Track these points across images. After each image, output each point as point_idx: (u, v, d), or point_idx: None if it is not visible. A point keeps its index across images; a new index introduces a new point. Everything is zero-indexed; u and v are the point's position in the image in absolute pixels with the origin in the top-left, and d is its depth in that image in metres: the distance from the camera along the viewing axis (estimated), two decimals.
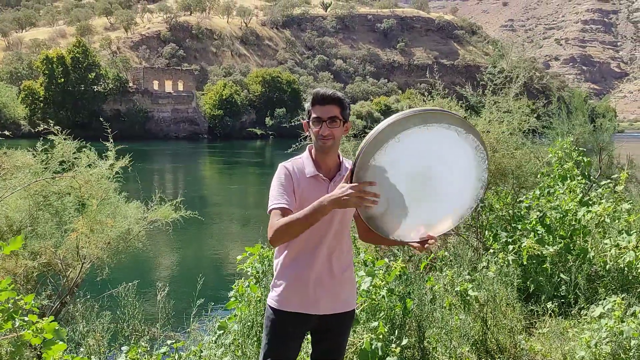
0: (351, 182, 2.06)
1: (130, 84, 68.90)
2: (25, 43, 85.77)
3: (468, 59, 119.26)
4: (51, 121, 6.39)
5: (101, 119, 8.08)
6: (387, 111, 76.02)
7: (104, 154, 6.22)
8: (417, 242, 2.23)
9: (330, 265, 2.40)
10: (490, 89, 6.31)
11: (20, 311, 2.43)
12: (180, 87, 71.68)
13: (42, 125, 5.95)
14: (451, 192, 2.19)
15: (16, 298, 2.40)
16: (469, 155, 2.14)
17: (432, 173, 2.12)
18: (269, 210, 2.28)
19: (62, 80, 62.35)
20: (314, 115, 2.32)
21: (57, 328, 2.29)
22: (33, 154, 5.90)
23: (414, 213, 2.18)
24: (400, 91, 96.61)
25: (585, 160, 5.80)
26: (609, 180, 5.59)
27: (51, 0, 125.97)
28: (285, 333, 2.41)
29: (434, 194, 2.16)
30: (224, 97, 70.74)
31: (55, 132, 5.95)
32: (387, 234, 2.23)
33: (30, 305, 2.47)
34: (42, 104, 61.75)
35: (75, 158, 5.93)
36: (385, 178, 2.07)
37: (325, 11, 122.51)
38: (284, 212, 2.25)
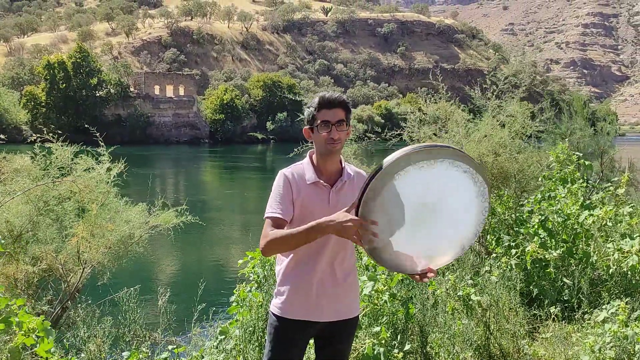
0: (357, 212, 2.06)
1: (132, 89, 69.03)
2: (27, 48, 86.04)
3: (469, 63, 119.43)
4: (53, 126, 6.44)
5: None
6: (388, 115, 76.15)
7: (100, 158, 6.23)
8: (417, 274, 2.25)
9: (333, 271, 2.38)
10: (494, 93, 6.31)
11: (13, 318, 2.42)
12: (182, 92, 71.80)
13: (34, 136, 6.00)
14: (453, 226, 2.21)
15: (9, 303, 2.38)
16: (470, 190, 2.17)
17: (436, 208, 2.15)
18: (264, 217, 2.28)
19: (64, 85, 62.48)
20: (322, 119, 2.29)
21: (48, 328, 2.28)
22: (32, 157, 5.91)
23: (416, 245, 2.20)
24: (401, 95, 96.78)
25: (586, 164, 5.79)
26: (609, 184, 5.57)
27: (53, 6, 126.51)
28: (289, 340, 2.39)
29: (437, 227, 2.18)
30: (225, 101, 70.83)
31: (51, 139, 5.97)
32: (387, 265, 2.25)
33: (24, 310, 2.46)
34: (43, 109, 61.87)
35: (73, 163, 5.94)
36: (390, 212, 2.10)
37: (326, 16, 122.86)
38: (278, 222, 2.24)
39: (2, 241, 2.34)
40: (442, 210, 2.15)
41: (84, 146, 6.37)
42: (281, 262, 2.44)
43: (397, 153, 2.08)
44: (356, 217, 2.05)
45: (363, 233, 2.06)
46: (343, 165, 2.43)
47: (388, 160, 2.07)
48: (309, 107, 2.35)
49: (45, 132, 6.06)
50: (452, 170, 2.10)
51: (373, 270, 3.82)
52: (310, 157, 2.41)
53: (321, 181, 2.35)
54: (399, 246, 2.18)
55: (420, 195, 2.11)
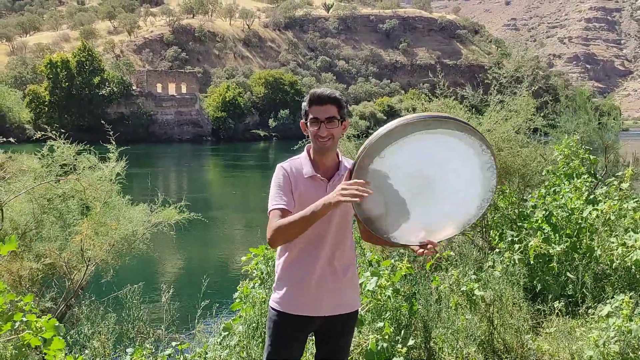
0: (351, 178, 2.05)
1: (134, 87, 69.09)
2: (29, 47, 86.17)
3: (471, 59, 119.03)
4: (56, 125, 6.48)
5: (102, 121, 8.12)
6: (390, 112, 76.02)
7: (106, 156, 6.23)
8: (417, 246, 2.22)
9: (332, 265, 2.38)
10: (496, 87, 6.29)
11: (20, 314, 2.42)
12: (184, 90, 71.82)
13: (39, 133, 6.01)
14: (454, 199, 2.15)
15: (15, 300, 2.39)
16: (473, 162, 2.09)
17: (434, 179, 2.09)
18: (268, 211, 2.28)
19: (67, 84, 62.59)
20: (311, 115, 2.30)
21: (56, 325, 2.28)
22: (39, 158, 5.92)
23: (413, 217, 2.16)
24: (403, 91, 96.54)
25: (591, 158, 5.76)
26: (613, 178, 5.55)
27: (55, 5, 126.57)
28: (289, 335, 2.39)
29: (435, 199, 2.13)
30: (227, 99, 70.83)
31: (54, 136, 5.97)
32: (384, 234, 2.21)
33: (30, 306, 2.47)
34: (46, 108, 62.01)
35: (76, 160, 5.95)
36: (384, 181, 2.06)
37: (328, 12, 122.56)
38: (283, 212, 2.24)
39: (8, 238, 2.34)
40: (442, 183, 2.10)
41: (88, 145, 6.37)
42: (280, 257, 2.44)
43: (393, 122, 2.03)
44: (349, 181, 2.02)
45: (357, 193, 1.98)
46: (340, 159, 2.43)
47: (383, 129, 2.03)
48: (303, 102, 2.37)
49: (48, 130, 6.07)
50: (453, 142, 2.02)
51: (377, 265, 3.81)
52: (308, 152, 2.41)
53: (318, 175, 2.35)
54: (395, 217, 2.15)
55: (417, 166, 2.06)
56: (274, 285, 2.47)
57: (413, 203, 2.12)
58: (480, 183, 2.15)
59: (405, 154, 2.01)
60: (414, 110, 6.57)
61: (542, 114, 6.45)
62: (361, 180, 2.00)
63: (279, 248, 2.46)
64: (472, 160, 2.09)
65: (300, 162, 2.39)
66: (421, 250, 2.21)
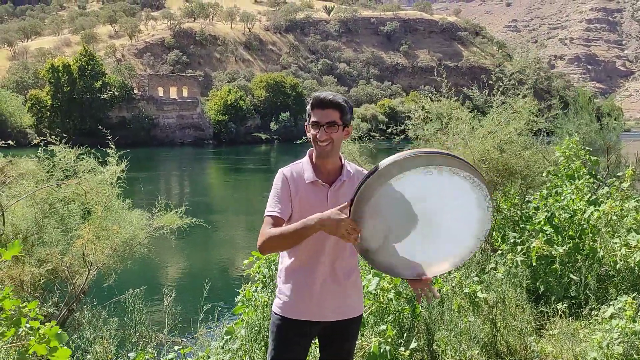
0: (350, 213, 2.05)
1: (135, 91, 69.23)
2: (31, 52, 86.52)
3: (472, 60, 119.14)
4: (58, 129, 6.53)
5: (101, 126, 8.13)
6: (391, 114, 76.06)
7: (106, 159, 6.24)
8: (412, 279, 2.25)
9: (334, 270, 2.37)
10: (500, 89, 6.28)
11: (24, 319, 2.42)
12: (185, 94, 71.95)
13: (37, 139, 6.04)
14: (452, 234, 2.15)
15: (20, 306, 2.38)
16: (472, 201, 2.09)
17: (434, 214, 2.09)
18: (264, 216, 2.28)
19: (68, 88, 62.75)
20: (312, 119, 2.30)
21: (58, 332, 2.27)
22: (38, 162, 5.93)
23: (410, 252, 2.16)
24: (404, 93, 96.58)
25: (593, 159, 5.75)
26: (615, 179, 5.54)
27: (56, 10, 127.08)
28: (292, 340, 2.38)
29: (434, 234, 2.13)
30: (228, 102, 70.96)
31: (54, 141, 5.99)
32: (380, 268, 2.22)
33: (35, 312, 2.46)
34: (48, 113, 62.16)
35: (77, 164, 5.96)
36: (385, 215, 2.06)
37: (329, 15, 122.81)
38: (276, 221, 2.23)
39: (11, 243, 2.33)
40: (440, 219, 2.10)
41: (89, 148, 6.39)
42: (283, 262, 2.43)
43: (394, 156, 2.04)
44: (347, 218, 2.03)
45: (353, 234, 2.03)
46: (343, 163, 2.41)
47: (384, 162, 2.03)
48: (307, 104, 2.37)
49: (48, 134, 6.09)
50: (452, 179, 2.02)
51: None
52: (310, 156, 2.40)
53: (320, 180, 2.34)
54: (392, 251, 2.15)
55: (416, 201, 2.06)
56: (276, 290, 2.46)
57: (412, 237, 2.12)
58: (476, 221, 2.14)
59: (406, 187, 2.02)
60: (422, 108, 6.57)
61: (544, 116, 6.44)
62: (357, 230, 2.03)
63: (280, 253, 2.46)
64: (470, 198, 2.09)
65: (302, 166, 2.38)
66: (417, 287, 2.25)
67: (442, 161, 2.03)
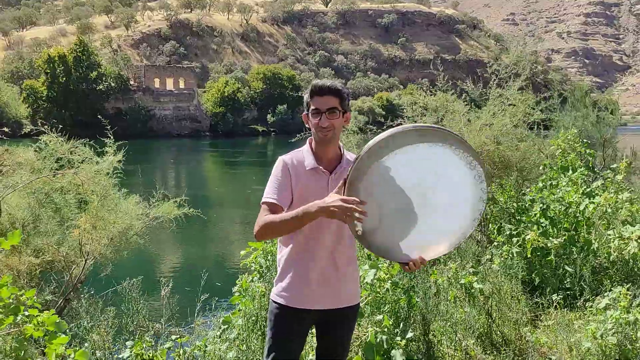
0: (344, 193, 2.03)
1: (132, 82, 68.90)
2: (26, 42, 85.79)
3: (470, 54, 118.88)
4: (54, 120, 6.50)
5: (99, 116, 8.09)
6: (389, 107, 75.92)
7: (103, 150, 6.22)
8: (405, 263, 2.20)
9: (334, 260, 2.38)
10: (495, 82, 6.29)
11: (22, 307, 2.42)
12: (182, 85, 71.67)
13: (28, 127, 6.04)
14: (447, 215, 2.11)
15: (18, 294, 2.39)
16: (466, 177, 2.06)
17: (428, 194, 2.06)
18: (260, 202, 2.28)
19: (64, 79, 62.37)
20: (312, 107, 2.30)
21: (58, 321, 2.28)
22: (35, 150, 5.92)
23: (406, 233, 2.12)
24: (402, 86, 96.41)
25: (588, 151, 5.78)
26: (609, 171, 5.56)
27: None
28: (289, 328, 2.40)
29: (428, 215, 2.09)
30: (225, 94, 70.70)
31: (46, 131, 5.96)
32: (376, 251, 2.19)
33: (32, 301, 2.47)
34: (44, 103, 61.81)
35: (72, 154, 5.94)
36: (379, 194, 2.02)
37: (326, 7, 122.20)
38: (273, 207, 2.24)
39: (11, 232, 2.34)
40: (435, 196, 2.06)
41: (87, 140, 6.36)
42: (282, 251, 2.44)
43: (385, 133, 2.00)
44: (344, 197, 2.01)
45: (351, 214, 1.97)
46: (342, 152, 2.42)
47: (375, 140, 2.00)
48: (305, 94, 2.37)
49: (40, 124, 6.07)
50: (446, 154, 1.99)
51: (375, 259, 3.82)
52: (310, 144, 2.40)
53: (320, 167, 2.35)
54: (387, 232, 2.12)
55: (410, 179, 2.02)
56: (275, 278, 2.47)
57: (407, 218, 2.09)
58: (471, 199, 2.10)
59: (400, 166, 1.98)
60: (415, 104, 6.56)
61: (540, 108, 6.46)
62: (359, 201, 1.97)
63: (279, 243, 2.46)
64: (465, 175, 2.05)
65: (302, 154, 2.38)
66: (409, 266, 2.19)
67: (434, 136, 1.99)
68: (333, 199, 2.02)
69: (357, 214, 1.97)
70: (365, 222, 2.04)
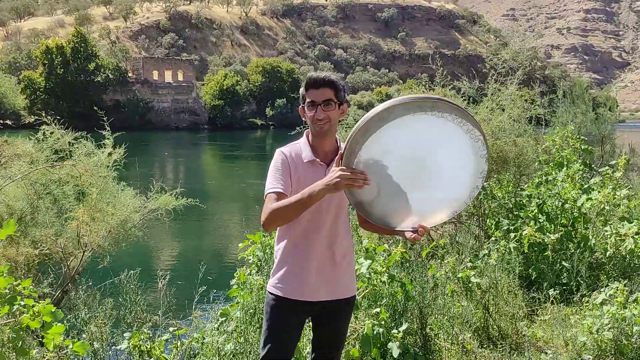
0: (341, 164, 2.04)
1: (130, 74, 68.66)
2: (24, 33, 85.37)
3: (469, 49, 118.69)
4: (52, 111, 6.48)
5: (95, 108, 8.06)
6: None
7: (102, 142, 6.21)
8: (409, 231, 2.20)
9: (331, 251, 2.39)
10: (493, 77, 6.28)
11: (19, 297, 2.42)
12: (180, 77, 71.44)
13: (28, 117, 6.04)
14: (446, 183, 2.12)
15: (14, 284, 2.38)
16: (465, 145, 2.06)
17: (426, 162, 2.07)
18: (264, 195, 2.28)
19: (62, 70, 62.11)
20: (308, 99, 2.31)
21: (53, 310, 2.28)
22: (35, 142, 5.91)
23: (405, 202, 2.14)
24: (401, 81, 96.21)
25: (584, 147, 5.78)
26: (607, 167, 5.57)
27: None
28: (286, 320, 2.40)
29: (427, 183, 2.10)
30: (224, 87, 70.52)
31: (47, 121, 5.94)
32: (376, 220, 2.19)
33: (29, 290, 2.46)
34: (42, 95, 61.57)
35: (72, 145, 5.93)
36: (375, 164, 2.03)
37: (326, 0, 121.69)
38: (279, 196, 2.24)
39: (6, 222, 2.33)
40: (434, 166, 2.07)
41: (84, 132, 6.34)
42: (279, 243, 2.45)
43: (383, 104, 2.00)
44: (344, 167, 2.02)
45: (353, 183, 2.00)
46: (339, 144, 2.42)
47: (373, 111, 2.00)
48: (301, 87, 2.37)
49: (42, 115, 6.05)
50: (445, 124, 1.99)
51: (372, 251, 3.83)
52: (307, 137, 2.41)
53: (317, 160, 2.35)
54: (387, 201, 2.13)
55: (409, 149, 2.03)
56: (272, 270, 2.48)
57: (406, 186, 2.10)
58: (472, 166, 2.12)
59: (396, 135, 1.98)
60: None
61: (537, 104, 6.45)
62: (360, 171, 2.00)
63: (277, 234, 2.47)
64: (465, 143, 2.05)
65: (300, 146, 2.39)
66: (413, 235, 2.19)
67: (433, 106, 1.98)
68: (332, 173, 2.04)
69: (359, 179, 1.99)
70: (363, 193, 2.06)
